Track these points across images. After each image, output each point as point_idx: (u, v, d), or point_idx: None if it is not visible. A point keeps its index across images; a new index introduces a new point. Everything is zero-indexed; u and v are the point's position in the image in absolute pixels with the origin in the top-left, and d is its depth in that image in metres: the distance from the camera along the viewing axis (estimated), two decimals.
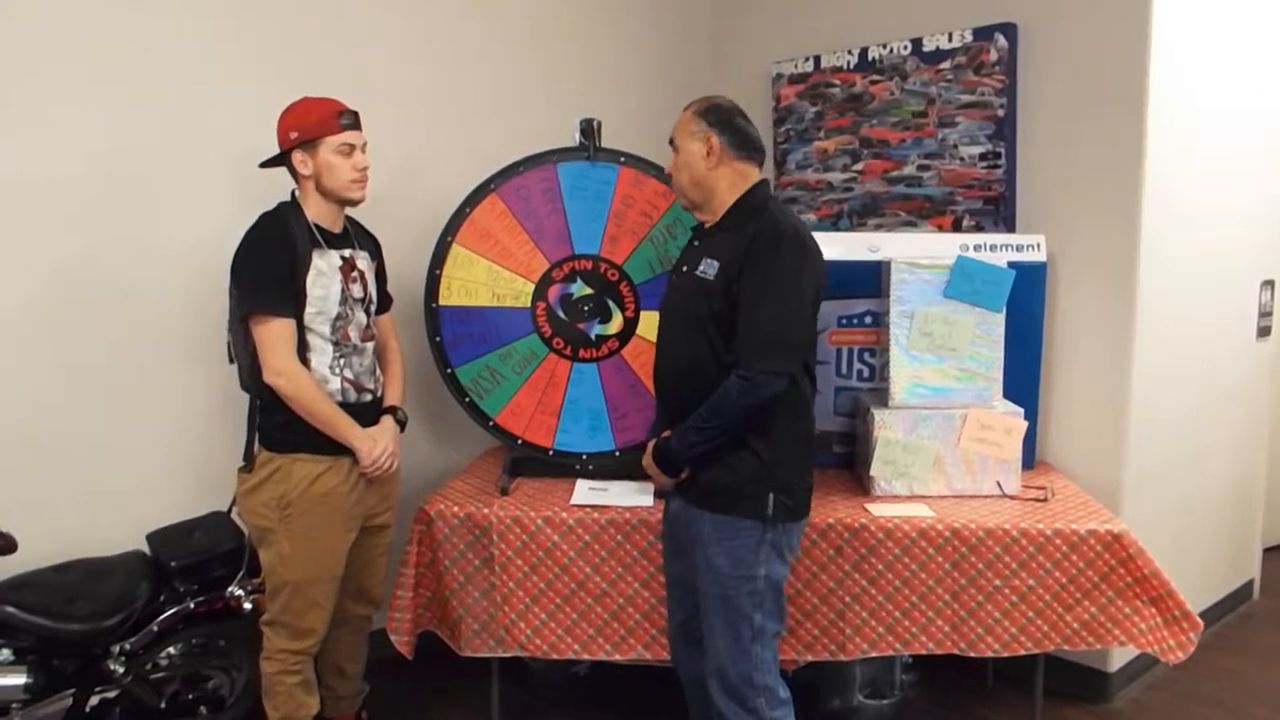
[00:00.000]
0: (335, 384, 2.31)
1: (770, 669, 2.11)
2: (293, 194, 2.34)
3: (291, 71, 2.80)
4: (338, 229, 2.36)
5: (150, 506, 2.66)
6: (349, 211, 2.42)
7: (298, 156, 2.27)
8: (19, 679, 2.23)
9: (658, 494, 2.52)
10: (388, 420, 2.44)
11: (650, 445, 2.17)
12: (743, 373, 1.98)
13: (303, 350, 2.25)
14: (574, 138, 2.75)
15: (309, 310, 2.25)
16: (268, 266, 2.20)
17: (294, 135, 2.25)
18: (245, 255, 2.23)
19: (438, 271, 2.73)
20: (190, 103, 2.71)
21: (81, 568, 2.43)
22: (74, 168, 2.54)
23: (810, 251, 2.05)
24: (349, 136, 2.27)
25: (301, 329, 2.25)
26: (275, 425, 2.29)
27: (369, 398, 2.40)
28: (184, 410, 2.78)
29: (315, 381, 2.26)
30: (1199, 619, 2.36)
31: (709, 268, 2.07)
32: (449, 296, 2.74)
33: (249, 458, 2.35)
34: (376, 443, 2.34)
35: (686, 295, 2.12)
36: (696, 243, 2.21)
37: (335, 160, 2.26)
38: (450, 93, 3.26)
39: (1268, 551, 4.03)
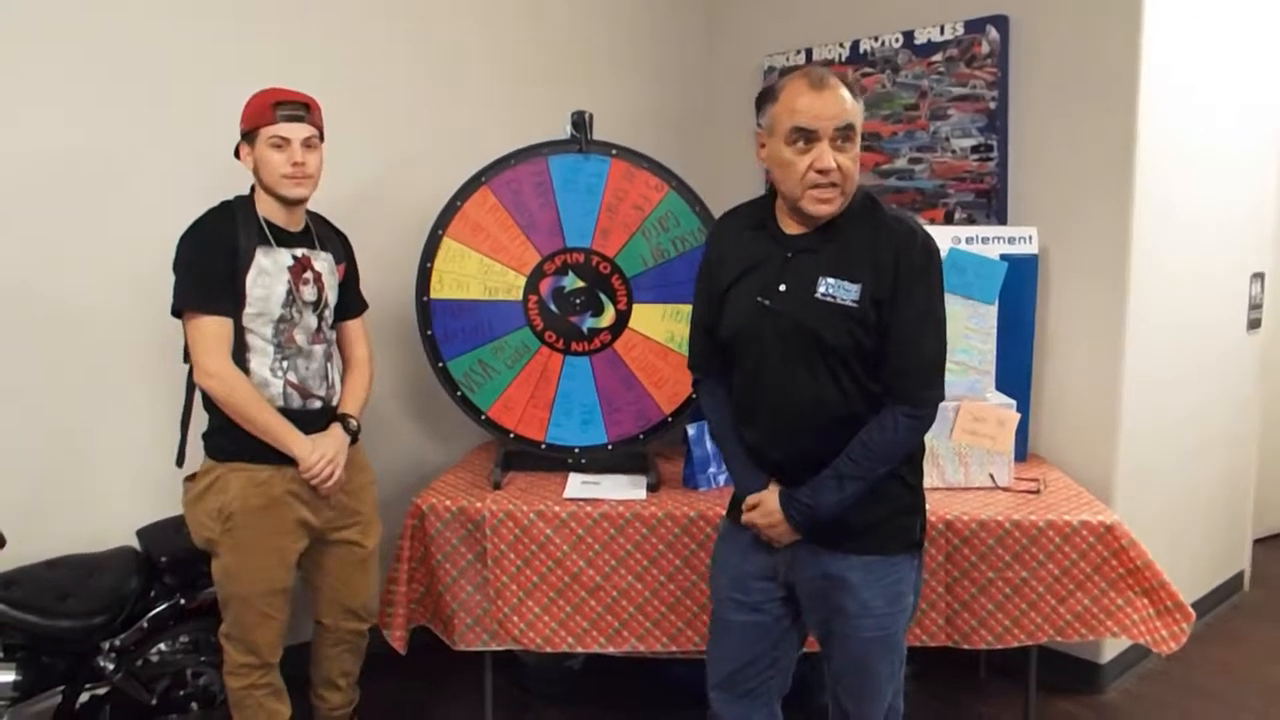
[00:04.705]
0: (277, 387, 2.18)
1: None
2: (251, 188, 2.23)
3: (280, 66, 2.76)
4: (295, 227, 2.23)
5: (140, 503, 2.64)
6: (321, 209, 2.32)
7: (244, 149, 2.18)
8: (8, 676, 2.22)
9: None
10: (335, 428, 2.27)
11: (769, 500, 1.84)
12: (912, 411, 1.76)
13: (242, 351, 2.13)
14: (565, 130, 2.74)
15: (248, 310, 2.12)
16: (202, 262, 2.09)
17: (242, 127, 2.16)
18: (182, 249, 2.12)
19: (429, 265, 2.72)
20: (171, 99, 2.68)
21: (71, 564, 2.41)
22: (45, 165, 2.51)
23: None
24: (283, 129, 2.11)
25: (240, 329, 2.12)
26: (214, 430, 2.18)
27: (317, 404, 2.25)
28: (175, 406, 2.74)
29: (251, 385, 2.12)
30: (1191, 610, 2.37)
31: (842, 291, 1.74)
32: (440, 290, 2.73)
33: (181, 462, 2.27)
34: (315, 449, 2.18)
35: (811, 321, 1.75)
36: (790, 255, 1.80)
37: (268, 154, 2.12)
38: (443, 87, 3.23)
39: (1258, 543, 4.05)
